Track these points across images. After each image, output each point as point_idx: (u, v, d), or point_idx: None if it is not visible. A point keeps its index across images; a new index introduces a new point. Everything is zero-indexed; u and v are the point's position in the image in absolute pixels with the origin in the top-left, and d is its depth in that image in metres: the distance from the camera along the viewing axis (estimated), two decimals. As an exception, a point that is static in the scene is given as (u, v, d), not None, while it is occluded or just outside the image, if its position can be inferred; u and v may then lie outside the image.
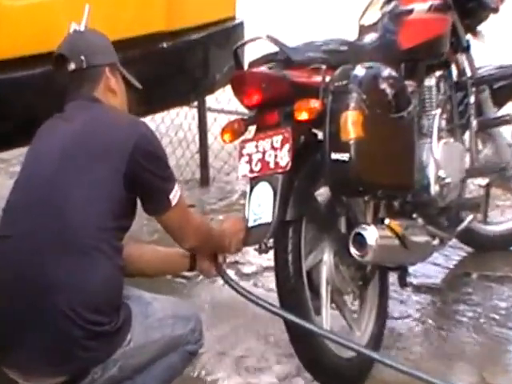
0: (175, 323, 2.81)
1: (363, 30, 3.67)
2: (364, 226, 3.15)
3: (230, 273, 4.03)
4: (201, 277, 4.03)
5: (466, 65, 3.96)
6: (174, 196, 2.77)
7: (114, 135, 2.75)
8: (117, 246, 2.72)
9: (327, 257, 3.22)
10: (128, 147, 2.70)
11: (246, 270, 4.18)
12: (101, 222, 2.67)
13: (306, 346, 3.15)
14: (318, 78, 3.09)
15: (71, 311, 2.59)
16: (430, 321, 3.76)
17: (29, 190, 2.77)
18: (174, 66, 3.85)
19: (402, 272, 3.56)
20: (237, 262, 4.19)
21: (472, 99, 3.91)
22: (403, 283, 3.61)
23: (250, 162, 3.14)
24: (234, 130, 3.24)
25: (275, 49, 3.22)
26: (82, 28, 2.91)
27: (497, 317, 3.76)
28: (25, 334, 2.65)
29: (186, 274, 4.06)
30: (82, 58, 2.83)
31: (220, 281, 3.39)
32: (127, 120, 2.85)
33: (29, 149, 2.90)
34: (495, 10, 3.93)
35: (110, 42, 2.96)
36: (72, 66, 2.84)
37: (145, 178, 2.73)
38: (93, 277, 2.63)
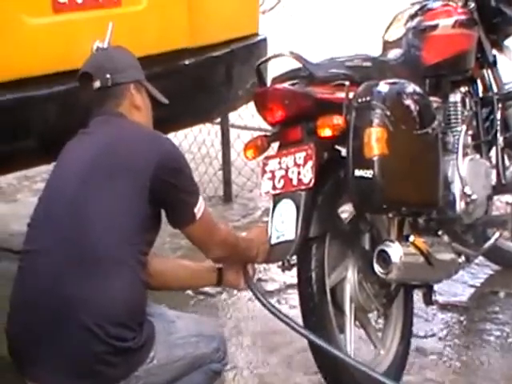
0: (199, 342, 2.82)
1: (387, 45, 3.68)
2: (388, 243, 3.15)
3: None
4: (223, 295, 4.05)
5: (492, 80, 3.97)
6: (199, 209, 2.79)
7: (138, 151, 2.76)
8: (141, 261, 2.73)
9: (351, 274, 3.22)
10: (152, 164, 2.72)
11: (269, 287, 4.19)
12: (124, 236, 2.69)
13: (331, 366, 3.14)
14: (341, 95, 3.10)
15: (95, 325, 2.60)
16: (456, 340, 3.75)
17: (53, 206, 2.79)
18: (197, 83, 3.85)
19: (428, 290, 3.53)
20: (260, 280, 4.19)
21: (498, 115, 3.91)
22: (428, 301, 3.58)
23: (272, 178, 3.15)
24: (257, 147, 3.25)
25: (298, 65, 3.22)
26: (106, 45, 2.94)
27: (524, 336, 3.75)
28: (48, 348, 2.67)
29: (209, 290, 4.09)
30: (108, 76, 2.86)
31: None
32: (151, 136, 2.87)
33: (54, 166, 2.92)
34: (522, 26, 3.94)
35: (135, 59, 2.98)
36: (97, 84, 2.86)
37: (170, 193, 2.76)
38: (116, 291, 2.64)
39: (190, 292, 4.09)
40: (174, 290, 3.05)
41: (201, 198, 2.82)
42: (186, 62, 3.82)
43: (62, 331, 2.64)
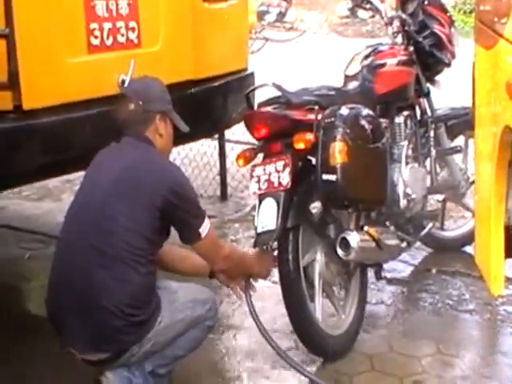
0: (195, 306, 2.78)
1: (347, 79, 3.61)
2: (348, 231, 3.10)
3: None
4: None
5: (426, 106, 3.91)
6: (204, 229, 2.71)
7: (153, 175, 2.68)
8: (151, 259, 2.67)
9: (319, 256, 3.16)
10: (163, 187, 2.64)
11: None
12: (136, 240, 2.62)
13: (303, 328, 3.08)
14: (312, 116, 3.04)
15: (114, 307, 2.56)
16: (400, 306, 3.69)
17: (85, 203, 2.73)
18: (200, 107, 3.83)
19: (378, 268, 3.49)
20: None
21: (432, 133, 3.86)
22: (379, 277, 3.55)
23: (258, 181, 3.08)
24: (247, 157, 3.18)
25: (278, 93, 3.18)
26: (128, 79, 2.83)
27: (451, 302, 3.69)
28: (77, 322, 2.62)
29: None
30: (140, 103, 2.76)
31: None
32: (166, 165, 2.79)
33: (87, 172, 2.85)
34: (448, 65, 3.90)
35: (166, 92, 2.87)
36: (131, 107, 2.76)
37: (177, 214, 2.68)
38: (130, 281, 2.60)
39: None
40: (173, 273, 3.00)
41: (206, 220, 2.72)
42: (192, 91, 3.78)
43: (87, 310, 2.59)
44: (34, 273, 3.99)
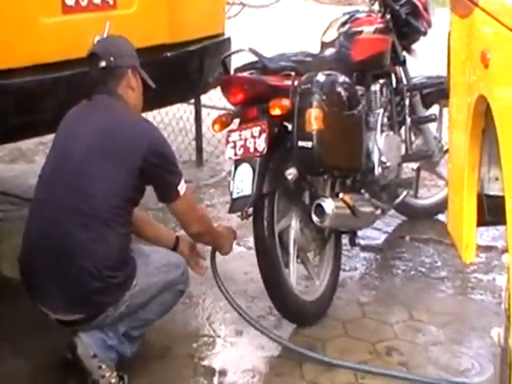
0: (168, 269, 2.80)
1: (324, 45, 3.59)
2: (323, 198, 3.09)
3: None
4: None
5: (402, 75, 3.90)
6: (182, 187, 2.74)
7: (132, 136, 2.69)
8: (128, 219, 2.68)
9: (294, 222, 3.15)
10: (143, 147, 2.65)
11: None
12: (117, 201, 2.62)
13: (278, 293, 3.09)
14: (288, 82, 3.02)
15: (92, 267, 2.56)
16: (373, 273, 3.71)
17: (61, 167, 2.70)
18: (176, 71, 3.80)
19: (352, 235, 3.50)
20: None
21: (407, 102, 3.85)
22: (353, 244, 3.56)
23: (234, 147, 3.05)
24: (223, 122, 3.15)
25: (255, 59, 3.15)
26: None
27: (423, 270, 3.72)
28: (53, 283, 2.61)
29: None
30: (112, 59, 2.76)
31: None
32: (144, 124, 2.79)
33: (59, 128, 2.81)
34: (424, 34, 3.89)
35: (133, 48, 2.88)
36: (103, 64, 2.76)
37: (157, 172, 2.69)
38: (108, 242, 2.60)
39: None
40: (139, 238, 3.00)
41: (183, 180, 2.75)
42: (167, 54, 3.74)
43: (65, 270, 2.58)
44: (6, 234, 3.95)
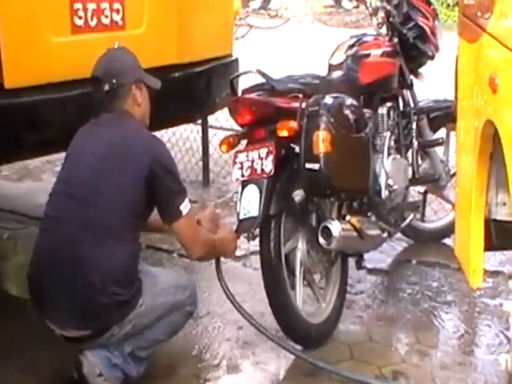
0: (176, 291, 2.80)
1: (331, 68, 3.62)
2: (330, 220, 3.10)
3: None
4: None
5: (409, 98, 3.92)
6: (185, 207, 2.71)
7: (136, 148, 2.70)
8: (136, 236, 2.69)
9: (301, 244, 3.16)
10: (147, 158, 2.66)
11: (238, 252, 4.03)
12: (124, 214, 2.63)
13: (284, 315, 3.08)
14: (296, 104, 3.03)
15: (99, 283, 2.58)
16: (380, 296, 3.70)
17: (71, 184, 2.73)
18: (184, 91, 3.82)
19: (359, 257, 3.50)
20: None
21: (414, 125, 3.87)
22: (359, 266, 3.56)
23: (241, 168, 3.07)
24: (230, 143, 3.17)
25: (262, 80, 3.17)
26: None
27: (429, 293, 3.71)
28: (61, 297, 2.62)
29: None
30: (114, 81, 2.77)
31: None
32: (150, 139, 2.79)
33: (70, 147, 2.83)
34: (432, 58, 3.91)
35: (135, 58, 2.88)
36: (106, 88, 2.78)
37: (161, 188, 2.68)
38: (116, 257, 2.61)
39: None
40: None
41: (187, 200, 2.73)
42: (175, 75, 3.76)
43: (72, 285, 2.60)
44: (12, 252, 3.96)
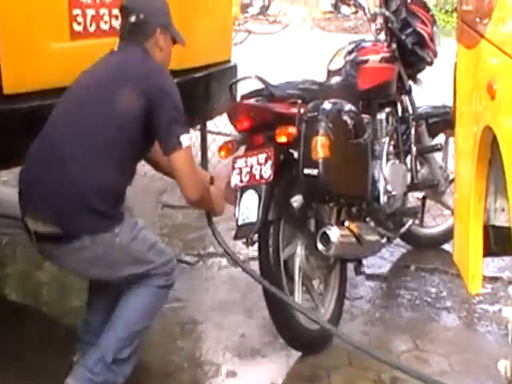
0: (152, 249, 2.71)
1: (330, 73, 3.62)
2: (329, 226, 3.10)
3: (222, 261, 4.00)
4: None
5: (408, 104, 3.93)
6: (185, 140, 2.65)
7: (142, 72, 2.66)
8: (130, 164, 2.68)
9: (300, 250, 3.16)
10: (151, 84, 2.63)
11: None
12: (114, 133, 2.61)
13: (282, 321, 3.08)
14: (294, 110, 3.04)
15: (82, 186, 2.57)
16: (378, 301, 3.71)
17: (68, 98, 2.74)
18: (183, 97, 3.81)
19: (358, 263, 3.49)
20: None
21: (412, 131, 3.88)
22: (358, 272, 3.55)
23: (240, 173, 3.07)
24: (228, 149, 3.18)
25: (261, 86, 3.18)
26: None
27: (428, 299, 3.71)
28: (40, 189, 2.63)
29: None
30: (142, 15, 2.73)
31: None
32: (157, 66, 2.73)
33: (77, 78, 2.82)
34: (430, 64, 3.92)
35: (167, 6, 2.83)
36: (132, 19, 2.74)
37: (161, 115, 2.63)
38: (103, 172, 2.60)
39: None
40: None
41: (188, 134, 2.67)
42: (175, 81, 3.74)
43: (55, 177, 2.60)
44: (11, 258, 3.95)
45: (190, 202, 2.76)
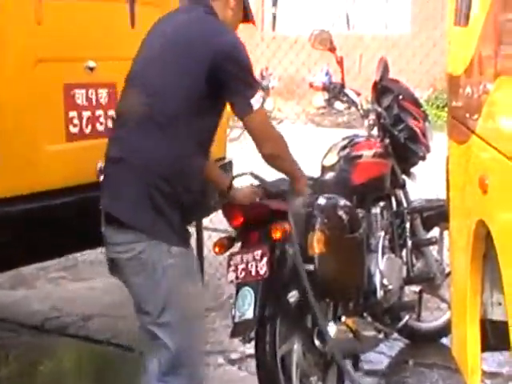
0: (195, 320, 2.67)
1: (325, 169, 3.68)
2: (326, 322, 3.08)
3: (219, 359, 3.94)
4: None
5: (402, 198, 3.96)
6: (256, 101, 2.58)
7: (208, 34, 2.58)
8: (193, 134, 2.60)
9: (297, 346, 3.12)
10: (218, 48, 2.54)
11: (233, 356, 4.02)
12: (178, 104, 2.55)
13: None
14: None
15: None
16: (378, 397, 3.66)
17: (138, 75, 2.66)
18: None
19: (355, 359, 3.44)
20: (225, 351, 4.04)
21: (407, 224, 3.90)
22: (356, 368, 3.48)
23: (236, 270, 3.06)
24: (224, 245, 3.17)
25: (256, 182, 3.20)
26: None
27: (428, 396, 3.66)
28: (112, 177, 2.64)
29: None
30: None
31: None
32: (223, 27, 2.64)
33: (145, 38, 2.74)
34: (423, 158, 3.98)
35: None
36: None
37: (229, 79, 2.55)
38: (169, 152, 2.56)
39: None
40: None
41: (259, 94, 2.60)
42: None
43: (120, 169, 2.61)
44: (4, 361, 3.89)
45: (264, 155, 2.71)
